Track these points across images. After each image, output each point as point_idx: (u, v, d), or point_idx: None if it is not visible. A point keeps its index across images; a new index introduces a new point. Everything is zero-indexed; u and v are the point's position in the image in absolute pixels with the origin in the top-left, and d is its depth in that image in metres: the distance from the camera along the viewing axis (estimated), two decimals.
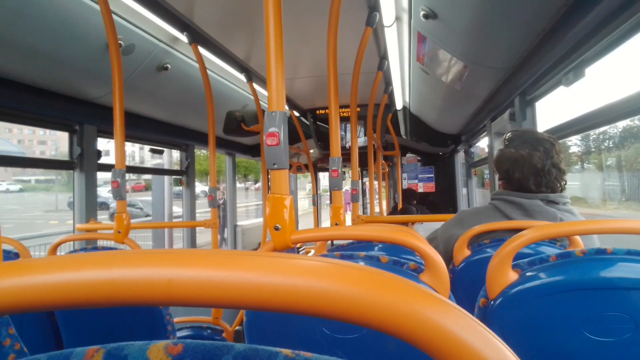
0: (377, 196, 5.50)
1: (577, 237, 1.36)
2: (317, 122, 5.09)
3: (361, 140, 4.92)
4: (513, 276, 0.94)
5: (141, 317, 1.41)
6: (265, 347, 0.29)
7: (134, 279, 0.25)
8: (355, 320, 0.25)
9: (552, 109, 2.56)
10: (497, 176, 1.70)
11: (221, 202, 7.68)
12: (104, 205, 15.94)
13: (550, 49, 1.91)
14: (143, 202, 16.17)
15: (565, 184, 1.53)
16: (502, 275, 0.94)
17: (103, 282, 0.25)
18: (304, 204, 15.95)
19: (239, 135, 3.71)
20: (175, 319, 2.06)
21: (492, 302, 0.94)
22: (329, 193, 2.10)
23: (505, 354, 0.25)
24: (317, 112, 5.06)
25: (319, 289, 0.24)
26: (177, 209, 5.06)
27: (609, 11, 1.54)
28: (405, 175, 6.35)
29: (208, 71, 2.68)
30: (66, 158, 2.87)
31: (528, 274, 0.94)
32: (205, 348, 0.28)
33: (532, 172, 1.50)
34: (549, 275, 0.92)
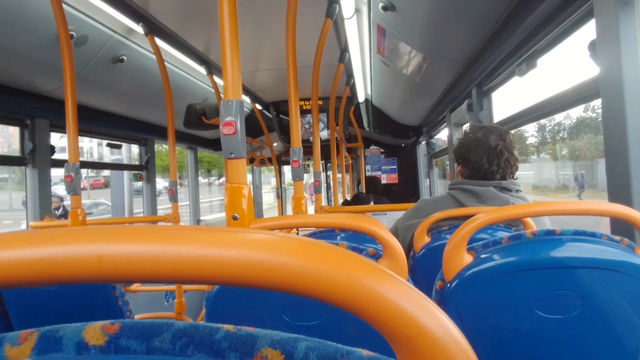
0: (341, 188, 5.53)
1: (530, 221, 1.42)
2: (280, 115, 5.06)
3: (325, 134, 4.93)
4: (468, 259, 0.97)
5: (99, 314, 1.37)
6: (207, 323, 0.28)
7: (63, 256, 0.24)
8: (295, 291, 0.25)
9: (507, 100, 2.64)
10: (456, 165, 1.74)
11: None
12: None
13: (503, 40, 1.97)
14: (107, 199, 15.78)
15: (517, 170, 1.58)
16: (458, 258, 0.96)
17: (30, 261, 0.24)
18: (269, 198, 15.86)
19: (200, 128, 3.65)
20: (137, 316, 2.01)
21: (448, 285, 0.96)
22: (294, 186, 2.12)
23: (440, 318, 0.25)
24: (280, 105, 5.03)
25: (255, 260, 0.24)
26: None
27: (557, 4, 1.60)
28: (368, 167, 6.40)
29: (166, 63, 2.62)
30: (17, 154, 2.76)
31: (482, 256, 0.97)
32: (144, 326, 0.28)
33: (485, 150, 1.55)
34: (501, 256, 0.95)
